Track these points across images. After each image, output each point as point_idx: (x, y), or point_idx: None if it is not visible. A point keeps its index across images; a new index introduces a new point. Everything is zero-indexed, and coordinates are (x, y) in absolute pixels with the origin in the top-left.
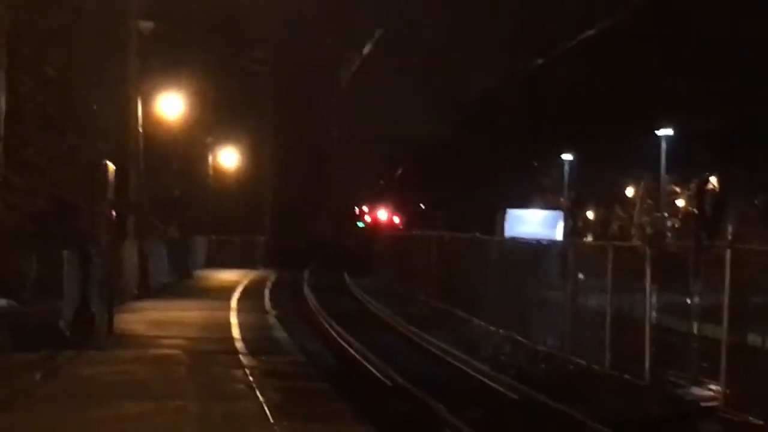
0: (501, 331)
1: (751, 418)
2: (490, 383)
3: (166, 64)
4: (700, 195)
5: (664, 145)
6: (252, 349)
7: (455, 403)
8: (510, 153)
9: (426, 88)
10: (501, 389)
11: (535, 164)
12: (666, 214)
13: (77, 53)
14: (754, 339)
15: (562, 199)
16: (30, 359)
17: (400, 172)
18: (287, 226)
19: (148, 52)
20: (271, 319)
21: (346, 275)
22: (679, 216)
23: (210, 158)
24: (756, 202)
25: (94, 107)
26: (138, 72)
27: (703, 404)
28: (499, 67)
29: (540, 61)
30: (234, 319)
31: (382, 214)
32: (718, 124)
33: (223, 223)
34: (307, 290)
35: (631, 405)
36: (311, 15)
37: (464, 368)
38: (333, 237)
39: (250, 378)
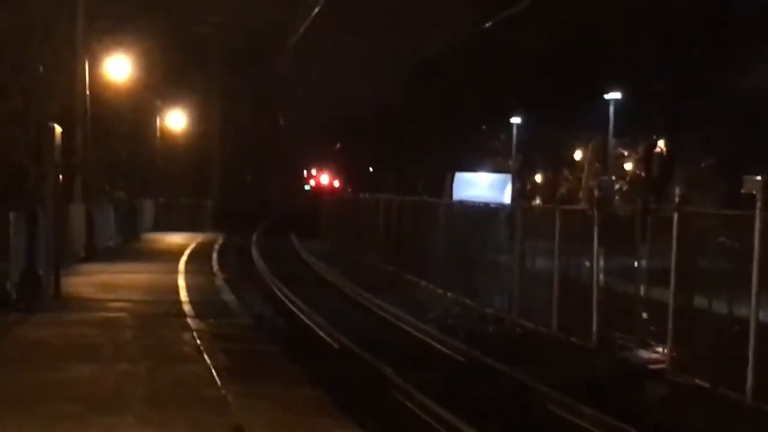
0: (449, 294)
1: (697, 380)
2: (438, 346)
3: (114, 25)
4: (647, 158)
5: (612, 108)
6: (200, 312)
7: (403, 365)
8: (459, 115)
9: (377, 49)
10: (449, 352)
11: (484, 127)
12: (614, 177)
13: (24, 14)
14: (700, 302)
15: (510, 162)
16: None
17: (347, 134)
18: (236, 189)
19: (95, 13)
20: (219, 282)
21: (294, 238)
22: (627, 179)
23: (158, 121)
24: (703, 165)
25: (41, 69)
26: (85, 33)
27: (650, 367)
28: (450, 29)
29: (490, 23)
30: (182, 282)
31: (328, 177)
32: (666, 88)
33: (172, 186)
34: (255, 253)
35: (579, 368)
36: None
37: (412, 331)
38: (282, 200)
39: (198, 341)
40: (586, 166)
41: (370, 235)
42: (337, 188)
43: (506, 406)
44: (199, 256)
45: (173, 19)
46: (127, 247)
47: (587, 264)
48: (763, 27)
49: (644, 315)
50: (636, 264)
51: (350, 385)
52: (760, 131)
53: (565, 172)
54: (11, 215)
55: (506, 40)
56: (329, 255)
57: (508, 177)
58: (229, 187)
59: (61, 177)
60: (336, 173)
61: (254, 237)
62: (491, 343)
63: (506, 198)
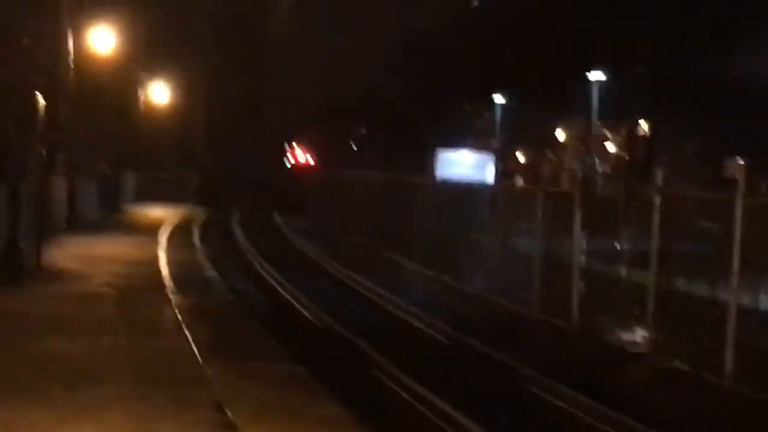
0: (431, 273)
1: (677, 362)
2: (420, 325)
3: None
4: (630, 140)
5: (595, 89)
6: (181, 287)
7: (384, 344)
8: (443, 94)
9: (361, 26)
10: (430, 331)
11: (467, 107)
12: (597, 159)
13: None
14: (682, 284)
15: (492, 142)
16: None
17: (328, 111)
18: (219, 163)
19: None
20: (201, 258)
21: (276, 215)
22: (610, 161)
23: (141, 94)
24: (687, 148)
25: (25, 40)
26: (70, 5)
27: (631, 349)
28: (434, 8)
29: (475, 3)
30: (163, 257)
31: (306, 154)
32: (650, 70)
33: (156, 160)
34: (237, 229)
35: (560, 349)
36: None
37: (393, 310)
38: (265, 176)
39: (179, 316)
40: (569, 146)
41: (352, 213)
42: (318, 165)
43: (487, 387)
44: (181, 231)
45: None
46: (109, 220)
47: (569, 246)
48: (748, 11)
49: (626, 298)
50: (618, 246)
51: (331, 363)
52: (745, 117)
53: (549, 153)
54: None
55: (491, 19)
56: (311, 233)
57: (491, 156)
58: (213, 161)
59: (44, 150)
60: (318, 150)
61: (236, 213)
62: (473, 324)
63: (489, 177)
